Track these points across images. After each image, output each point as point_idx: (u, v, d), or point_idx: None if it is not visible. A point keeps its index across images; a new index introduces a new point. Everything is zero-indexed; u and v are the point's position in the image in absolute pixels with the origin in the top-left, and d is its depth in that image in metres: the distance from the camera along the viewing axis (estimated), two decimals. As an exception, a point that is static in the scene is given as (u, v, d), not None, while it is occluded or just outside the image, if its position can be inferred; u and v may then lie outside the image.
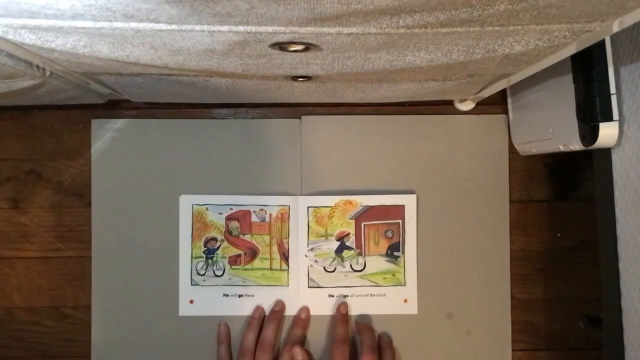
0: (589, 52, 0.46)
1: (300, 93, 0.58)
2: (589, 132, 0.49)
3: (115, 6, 0.31)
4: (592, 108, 0.48)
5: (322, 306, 0.66)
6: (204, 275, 0.66)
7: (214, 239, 0.66)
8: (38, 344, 0.67)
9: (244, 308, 0.66)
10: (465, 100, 0.67)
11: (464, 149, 0.68)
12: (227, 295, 0.66)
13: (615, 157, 0.50)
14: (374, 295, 0.67)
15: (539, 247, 0.69)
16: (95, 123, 0.67)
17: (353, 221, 0.67)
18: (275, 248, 0.67)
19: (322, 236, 0.67)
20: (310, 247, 0.66)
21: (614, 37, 0.48)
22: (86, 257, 0.67)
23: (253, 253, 0.67)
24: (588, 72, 0.48)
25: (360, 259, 0.67)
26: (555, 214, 0.69)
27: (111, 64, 0.43)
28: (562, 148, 0.54)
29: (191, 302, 0.66)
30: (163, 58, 0.41)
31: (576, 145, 0.51)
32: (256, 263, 0.67)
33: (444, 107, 0.68)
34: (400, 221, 0.67)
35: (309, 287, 0.66)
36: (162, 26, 0.34)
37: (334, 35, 0.35)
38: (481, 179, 0.68)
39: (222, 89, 0.54)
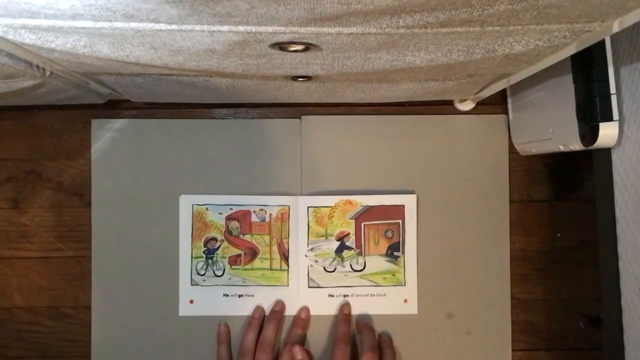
0: (589, 52, 0.46)
1: (300, 93, 0.58)
2: (589, 132, 0.49)
3: (115, 6, 0.31)
4: (592, 108, 0.48)
5: (322, 306, 0.66)
6: (204, 275, 0.66)
7: (214, 239, 0.66)
8: (38, 344, 0.67)
9: (244, 308, 0.66)
10: (465, 100, 0.67)
11: (464, 149, 0.68)
12: (227, 295, 0.66)
13: (615, 157, 0.50)
14: (374, 295, 0.67)
15: (539, 247, 0.69)
16: (95, 123, 0.67)
17: (353, 221, 0.67)
18: (275, 248, 0.67)
19: (322, 236, 0.67)
20: (310, 247, 0.66)
21: (614, 37, 0.48)
22: (86, 257, 0.67)
23: (253, 253, 0.67)
24: (588, 72, 0.48)
25: (360, 259, 0.67)
26: (555, 214, 0.69)
27: (111, 64, 0.43)
28: (562, 148, 0.54)
29: (191, 302, 0.66)
30: (163, 58, 0.41)
31: (576, 145, 0.51)
32: (256, 263, 0.67)
33: (444, 107, 0.68)
34: (400, 221, 0.67)
35: (309, 287, 0.66)
36: (162, 26, 0.34)
37: (334, 35, 0.35)
38: (481, 179, 0.68)
39: (222, 89, 0.54)
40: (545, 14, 0.33)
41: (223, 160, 0.67)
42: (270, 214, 0.67)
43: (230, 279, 0.66)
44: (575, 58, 0.47)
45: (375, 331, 0.66)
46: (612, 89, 0.47)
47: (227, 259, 0.66)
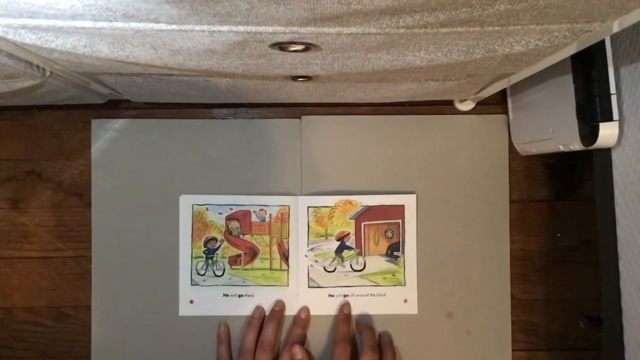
0: (589, 52, 0.46)
1: (300, 93, 0.58)
2: (589, 132, 0.49)
3: (115, 6, 0.31)
4: (592, 108, 0.48)
5: (322, 306, 0.66)
6: (204, 275, 0.66)
7: (214, 239, 0.66)
8: (38, 344, 0.67)
9: (244, 308, 0.66)
10: (465, 100, 0.67)
11: (464, 149, 0.68)
12: (227, 295, 0.66)
13: (615, 157, 0.50)
14: (374, 295, 0.67)
15: (539, 247, 0.69)
16: (95, 123, 0.67)
17: (353, 221, 0.67)
18: (275, 248, 0.67)
19: (322, 236, 0.67)
20: (310, 247, 0.66)
21: (614, 37, 0.48)
22: (86, 257, 0.67)
23: (253, 253, 0.67)
24: (588, 72, 0.48)
25: (360, 259, 0.67)
26: (555, 214, 0.69)
27: (111, 64, 0.43)
28: (562, 148, 0.54)
29: (191, 302, 0.66)
30: (163, 58, 0.41)
31: (576, 145, 0.51)
32: (256, 263, 0.67)
33: (444, 107, 0.68)
34: (400, 221, 0.67)
35: (309, 287, 0.66)
36: (162, 26, 0.34)
37: (334, 35, 0.35)
38: (481, 179, 0.68)
39: (222, 89, 0.54)
40: (545, 14, 0.33)
41: (223, 160, 0.67)
42: (270, 214, 0.67)
43: (230, 279, 0.66)
44: (575, 58, 0.47)
45: (376, 331, 0.66)
46: (612, 89, 0.47)
47: (227, 259, 0.66)
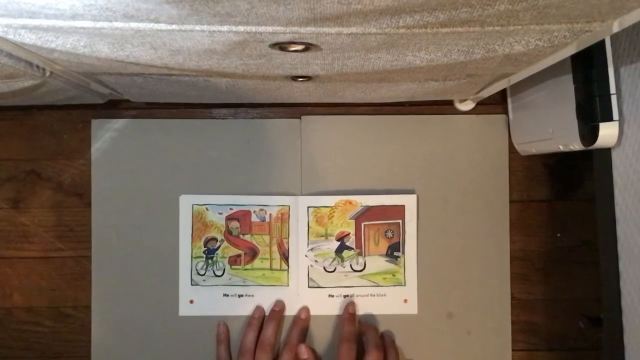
0: (589, 52, 0.46)
1: (300, 93, 0.58)
2: (589, 132, 0.49)
3: (115, 6, 0.31)
4: (592, 108, 0.48)
5: (322, 306, 0.66)
6: (204, 275, 0.66)
7: (214, 239, 0.66)
8: (38, 344, 0.67)
9: (244, 308, 0.66)
10: (465, 100, 0.67)
11: (464, 149, 0.68)
12: (227, 295, 0.66)
13: (615, 157, 0.50)
14: (374, 295, 0.67)
15: (539, 247, 0.69)
16: (95, 123, 0.67)
17: (353, 221, 0.67)
18: (275, 248, 0.67)
19: (322, 236, 0.67)
20: (310, 247, 0.66)
21: (614, 37, 0.48)
22: (86, 257, 0.67)
23: (253, 253, 0.67)
24: (588, 72, 0.48)
25: (360, 259, 0.67)
26: (555, 214, 0.69)
27: (111, 64, 0.43)
28: (562, 148, 0.54)
29: (191, 302, 0.66)
30: (163, 58, 0.41)
31: (576, 145, 0.51)
32: (256, 263, 0.67)
33: (444, 107, 0.68)
34: (400, 221, 0.67)
35: (309, 287, 0.66)
36: (162, 26, 0.34)
37: (334, 35, 0.35)
38: (481, 179, 0.68)
39: (222, 89, 0.54)
40: (545, 14, 0.33)
41: (223, 160, 0.67)
42: (270, 214, 0.67)
43: (230, 279, 0.66)
44: (575, 58, 0.47)
45: (379, 331, 0.66)
46: (612, 89, 0.47)
47: (227, 259, 0.66)
